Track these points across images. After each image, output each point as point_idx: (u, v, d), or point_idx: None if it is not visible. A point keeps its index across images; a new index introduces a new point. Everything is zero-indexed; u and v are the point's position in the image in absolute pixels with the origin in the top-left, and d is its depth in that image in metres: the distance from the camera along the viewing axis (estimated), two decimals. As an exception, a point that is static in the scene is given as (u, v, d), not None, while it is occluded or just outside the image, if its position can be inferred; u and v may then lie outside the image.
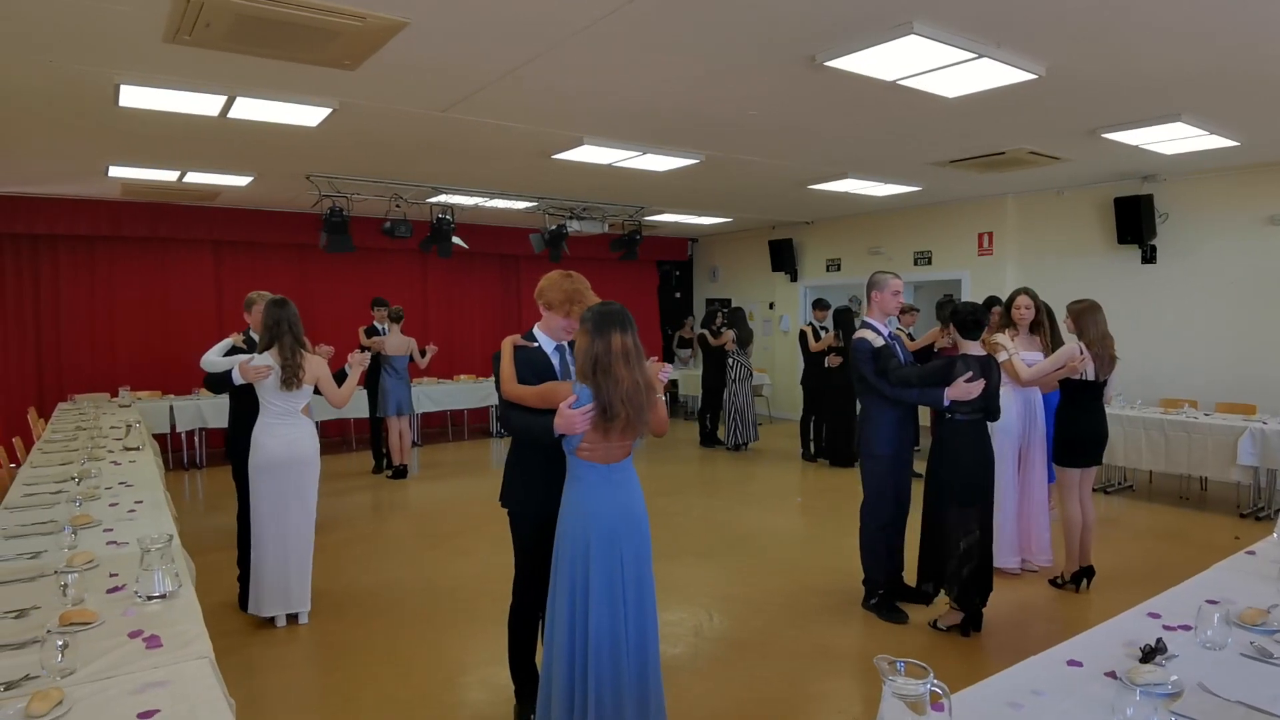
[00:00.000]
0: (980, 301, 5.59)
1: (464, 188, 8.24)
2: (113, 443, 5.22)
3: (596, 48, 4.04)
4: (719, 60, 4.27)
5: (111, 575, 2.56)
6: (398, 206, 8.38)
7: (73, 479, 3.96)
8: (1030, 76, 4.39)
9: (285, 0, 3.25)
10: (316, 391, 4.20)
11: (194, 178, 7.28)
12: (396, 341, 7.91)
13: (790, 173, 7.65)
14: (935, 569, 4.02)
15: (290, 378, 3.96)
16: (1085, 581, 4.59)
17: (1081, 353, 4.37)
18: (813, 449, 8.92)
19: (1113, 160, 7.03)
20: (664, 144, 6.33)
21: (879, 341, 4.18)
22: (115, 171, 6.89)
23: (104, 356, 8.93)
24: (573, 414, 2.58)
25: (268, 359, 3.98)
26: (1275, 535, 2.90)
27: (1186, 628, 2.11)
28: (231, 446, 4.47)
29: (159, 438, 7.57)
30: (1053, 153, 6.72)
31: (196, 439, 8.67)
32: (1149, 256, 8.00)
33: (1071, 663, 1.92)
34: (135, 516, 3.34)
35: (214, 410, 8.51)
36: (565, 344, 3.03)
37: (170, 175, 7.14)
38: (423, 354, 8.07)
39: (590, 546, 2.64)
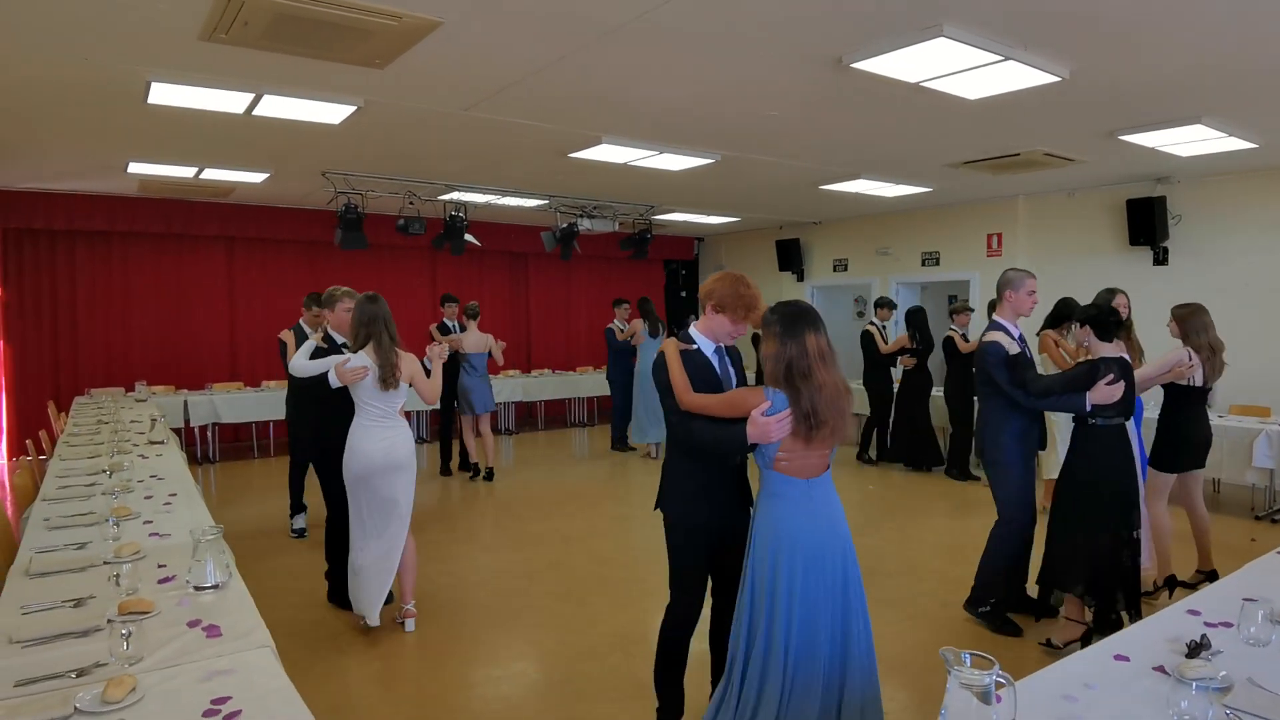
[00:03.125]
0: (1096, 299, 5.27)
1: (478, 185, 8.27)
2: (136, 436, 5.26)
3: (626, 48, 4.07)
4: (746, 61, 4.31)
5: (160, 566, 2.59)
6: (411, 204, 8.41)
7: (103, 472, 4.00)
8: (1054, 79, 4.42)
9: (324, -1, 3.29)
10: None
11: (211, 174, 7.32)
12: (475, 339, 7.57)
13: (804, 173, 7.68)
14: (1088, 583, 3.74)
15: (388, 376, 3.76)
16: (1170, 591, 4.40)
17: (1190, 359, 4.24)
18: (873, 454, 8.57)
19: (1127, 162, 7.07)
20: (682, 144, 6.36)
21: (1013, 348, 3.94)
22: (135, 168, 6.93)
23: (119, 351, 8.99)
24: (768, 421, 2.40)
25: (364, 359, 3.77)
26: (1306, 535, 2.93)
27: (1227, 624, 2.14)
28: (319, 452, 4.33)
29: (174, 432, 7.60)
30: (1068, 154, 6.75)
31: (209, 434, 8.70)
32: (1161, 259, 8.04)
33: (1119, 657, 1.96)
34: (172, 509, 3.38)
35: (227, 405, 8.56)
36: (723, 347, 2.86)
37: (188, 172, 7.18)
38: None
39: (781, 569, 2.44)
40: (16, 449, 8.42)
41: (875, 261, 10.87)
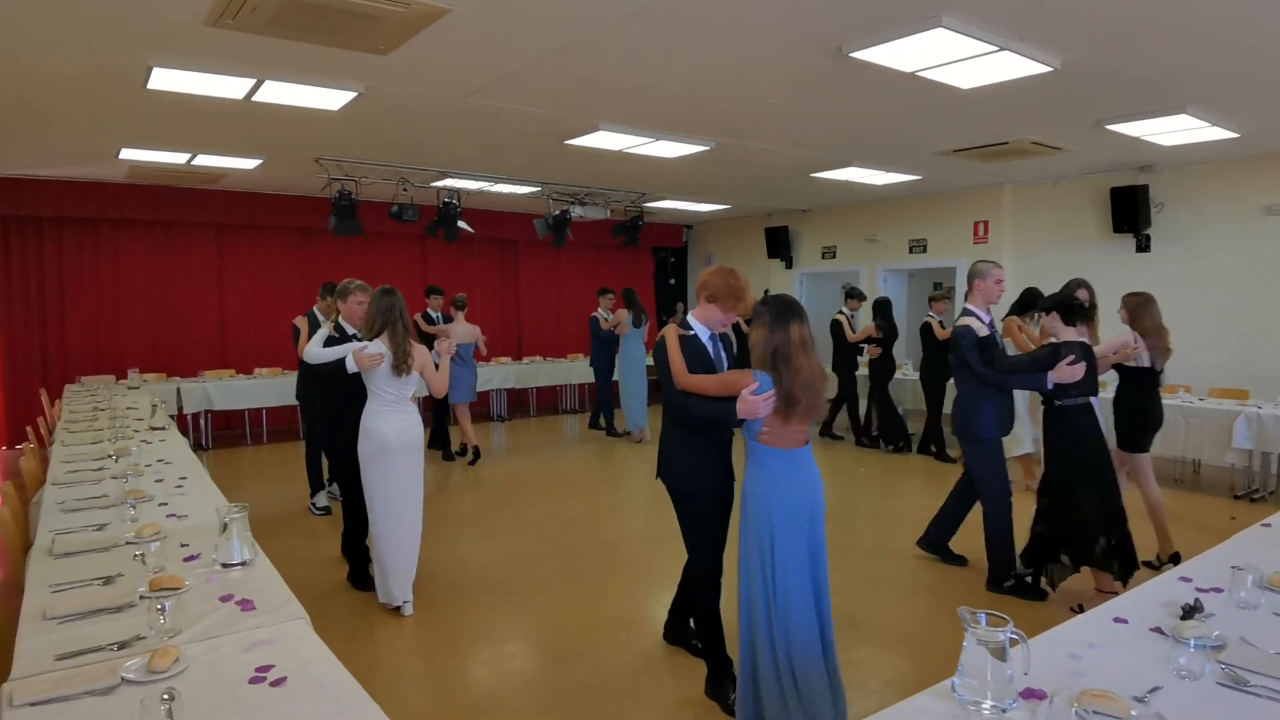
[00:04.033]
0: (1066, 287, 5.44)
1: (472, 172, 8.28)
2: (135, 422, 5.27)
3: (632, 36, 4.11)
4: (749, 50, 4.36)
5: (182, 545, 2.64)
6: (404, 190, 8.41)
7: (109, 457, 4.02)
8: (1046, 69, 4.52)
9: (332, -15, 3.31)
10: None
11: (203, 160, 7.28)
12: (463, 329, 7.93)
13: (796, 161, 7.75)
14: (1085, 550, 4.00)
15: (402, 363, 3.98)
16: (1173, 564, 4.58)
17: (1135, 341, 4.57)
18: (830, 432, 9.08)
19: (1111, 151, 7.20)
20: (679, 131, 6.41)
21: (983, 331, 4.29)
22: (127, 154, 6.88)
23: (109, 339, 8.93)
24: (755, 399, 2.70)
25: (380, 346, 3.98)
26: (1288, 509, 3.07)
27: (1218, 590, 2.26)
28: (332, 437, 4.48)
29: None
30: (1055, 143, 6.87)
31: (203, 421, 8.68)
32: (1143, 245, 8.20)
33: (1118, 620, 2.06)
34: (185, 491, 3.42)
35: (220, 393, 8.55)
36: (717, 334, 3.18)
37: (180, 158, 7.13)
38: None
39: (777, 528, 2.73)
40: (6, 437, 8.37)
41: (863, 249, 10.98)
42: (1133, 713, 1.54)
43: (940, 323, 7.80)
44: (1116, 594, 3.77)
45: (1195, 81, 5.00)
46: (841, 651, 3.69)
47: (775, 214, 12.10)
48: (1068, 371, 3.92)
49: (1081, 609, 3.90)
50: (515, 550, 5.22)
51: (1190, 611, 2.08)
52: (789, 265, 12.05)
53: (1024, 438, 6.34)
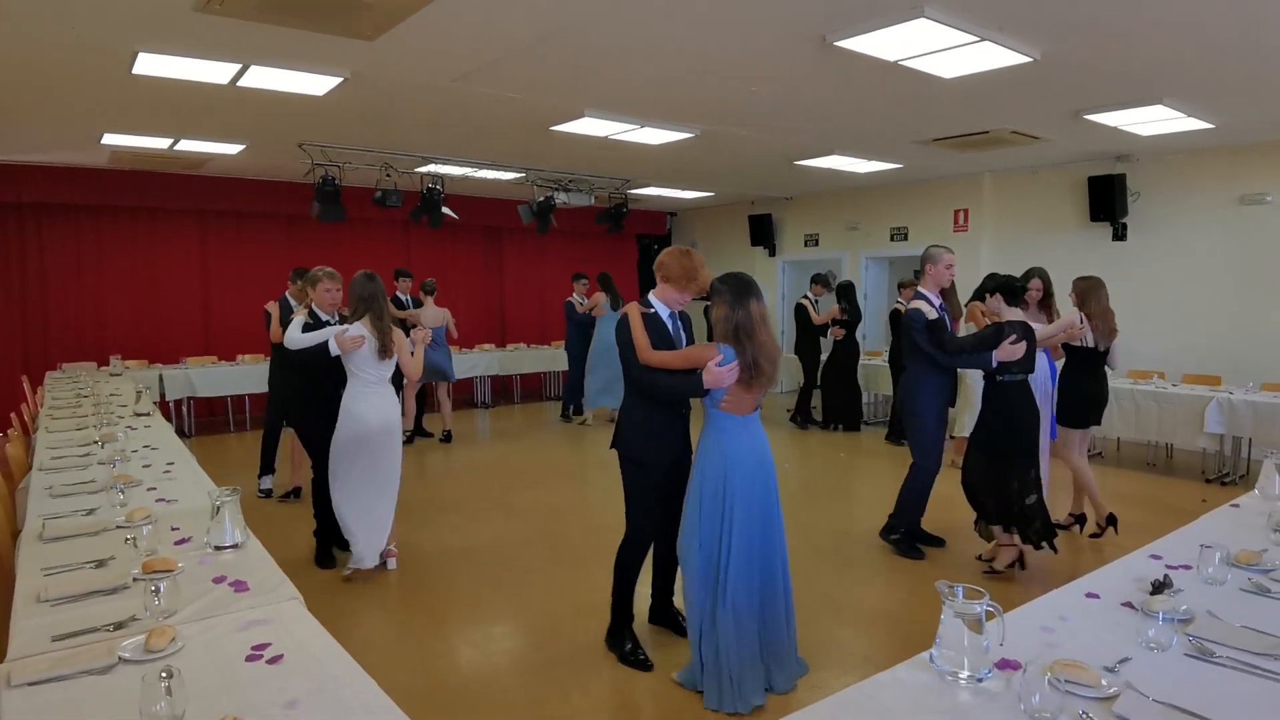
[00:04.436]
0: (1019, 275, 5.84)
1: (457, 158, 8.25)
2: (119, 409, 5.24)
3: (617, 23, 4.13)
4: (734, 38, 4.39)
5: (173, 529, 2.66)
6: (388, 176, 8.36)
7: (95, 443, 4.01)
8: (1026, 60, 4.58)
9: (319, -30, 3.29)
10: None
11: (185, 145, 7.21)
12: (432, 313, 7.99)
13: (780, 148, 7.79)
14: (1003, 514, 4.33)
15: (385, 345, 4.12)
16: (1080, 527, 5.17)
17: (1082, 322, 4.84)
18: (801, 417, 9.16)
19: (1090, 140, 7.29)
20: (664, 118, 6.43)
21: (933, 313, 4.52)
22: (109, 139, 6.80)
23: (91, 325, 8.84)
24: (721, 371, 2.93)
25: (361, 329, 4.10)
26: (1257, 491, 3.17)
27: (1187, 567, 2.33)
28: (308, 418, 4.58)
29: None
30: (1034, 133, 6.96)
31: (184, 408, 8.62)
32: (1120, 234, 8.33)
33: (1090, 595, 2.13)
34: (173, 476, 3.43)
35: (203, 379, 8.50)
36: (676, 312, 3.34)
37: (163, 143, 7.06)
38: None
39: (730, 483, 3.00)
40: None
41: (846, 237, 11.05)
42: (1103, 681, 1.61)
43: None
44: (1018, 546, 4.32)
45: (1171, 73, 5.09)
46: (822, 629, 3.82)
47: (759, 202, 12.15)
48: (1009, 350, 4.17)
49: (992, 567, 4.40)
50: (501, 536, 5.26)
51: (1160, 587, 2.16)
52: (772, 253, 12.12)
53: (969, 421, 6.48)
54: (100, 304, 8.91)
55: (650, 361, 3.12)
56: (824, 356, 9.00)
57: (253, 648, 1.82)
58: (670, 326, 3.28)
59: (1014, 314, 4.32)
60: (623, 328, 3.21)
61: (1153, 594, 2.11)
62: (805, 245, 11.71)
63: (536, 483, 6.77)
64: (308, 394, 4.55)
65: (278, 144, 7.30)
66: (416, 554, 4.83)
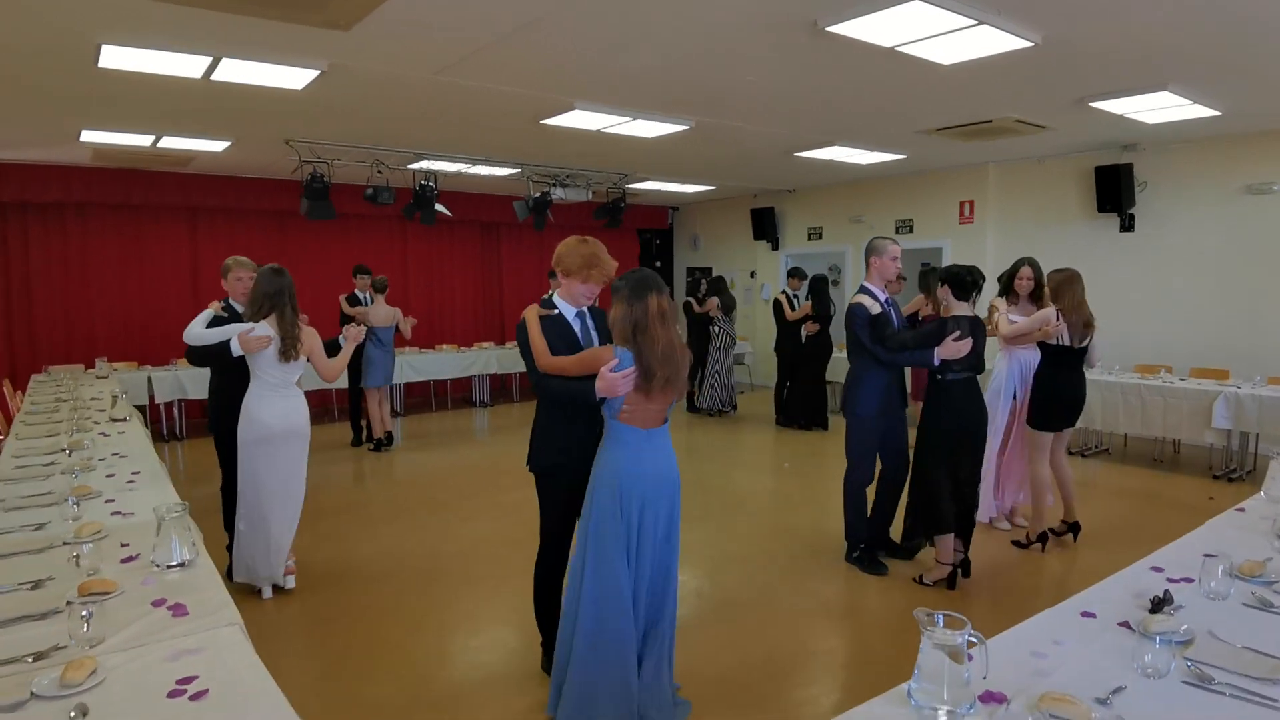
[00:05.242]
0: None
1: (449, 154, 8.11)
2: (97, 414, 5.14)
3: (601, 9, 3.97)
4: (723, 23, 4.23)
5: (123, 545, 2.53)
6: (379, 173, 8.24)
7: (63, 450, 3.90)
8: (1026, 44, 4.41)
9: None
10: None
11: (169, 142, 7.09)
12: (382, 312, 7.73)
13: (779, 140, 7.63)
14: (928, 521, 4.17)
15: (290, 348, 3.86)
16: (1073, 536, 4.84)
17: (1058, 318, 4.56)
18: (784, 415, 9.07)
19: (1095, 129, 7.10)
20: (656, 110, 6.27)
21: (876, 308, 4.28)
22: (88, 136, 6.69)
23: (78, 327, 8.74)
24: (614, 376, 2.65)
25: (266, 328, 3.86)
26: (1263, 493, 3.01)
27: (1189, 580, 2.19)
28: (217, 419, 4.26)
29: (137, 409, 7.43)
30: (1039, 121, 6.77)
31: (176, 410, 8.53)
32: (1127, 225, 8.13)
33: (1085, 614, 1.99)
34: (135, 487, 3.30)
35: (194, 381, 8.39)
36: (585, 310, 3.06)
37: (145, 140, 6.94)
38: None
39: (624, 504, 2.71)
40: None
41: (849, 229, 10.87)
42: (1094, 716, 1.47)
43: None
44: (952, 565, 4.13)
45: (1176, 57, 4.90)
46: (812, 641, 3.69)
47: (760, 195, 11.98)
48: (953, 348, 3.95)
49: (922, 580, 4.22)
50: (489, 537, 5.13)
51: (1159, 604, 2.01)
52: (775, 247, 11.95)
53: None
54: (88, 305, 8.80)
55: (548, 367, 2.86)
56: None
57: (178, 681, 1.68)
58: (577, 327, 3.02)
59: (962, 308, 4.09)
60: (520, 333, 2.97)
61: (1152, 612, 1.97)
62: (809, 239, 11.54)
63: (528, 480, 6.62)
64: (218, 395, 4.26)
65: (264, 140, 7.17)
66: (404, 558, 4.72)
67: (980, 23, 4.03)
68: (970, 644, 1.54)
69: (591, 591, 2.72)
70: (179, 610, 2.04)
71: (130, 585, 2.20)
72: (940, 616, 1.56)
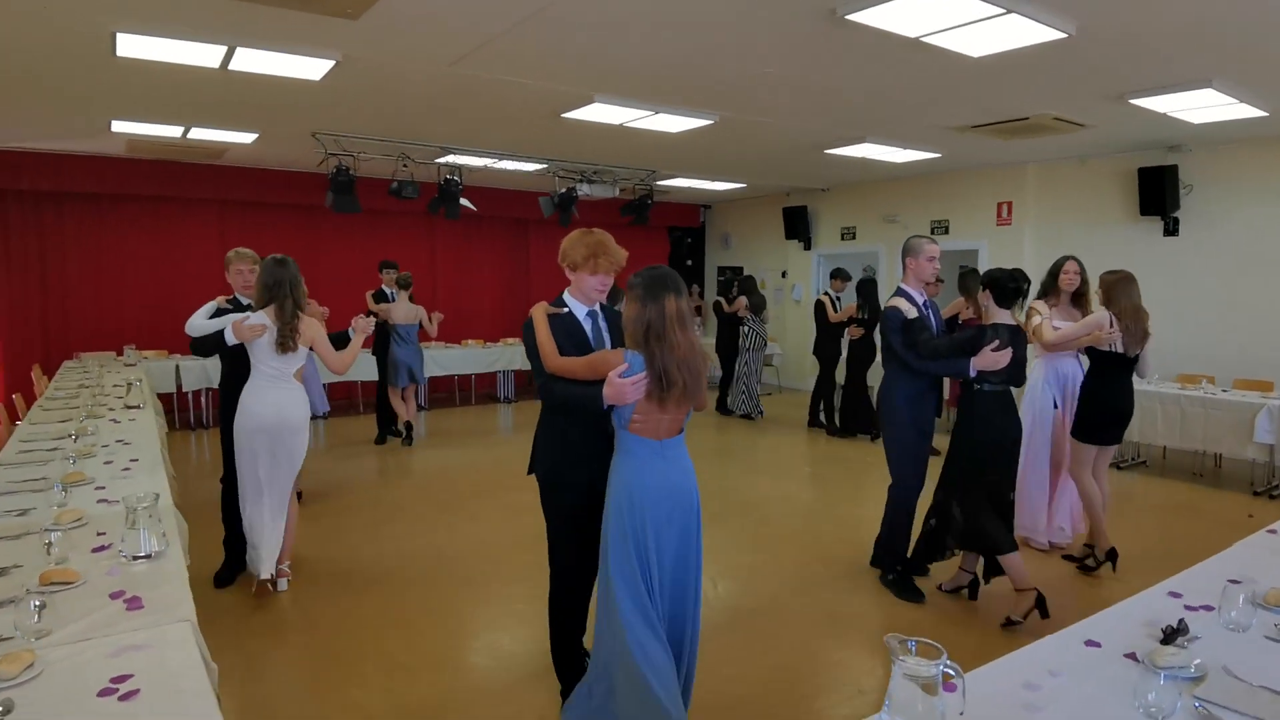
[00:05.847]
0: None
1: (472, 148, 8.09)
2: (114, 400, 5.19)
3: (611, -1, 3.87)
4: (738, 11, 4.09)
5: (99, 534, 2.50)
6: (405, 167, 8.24)
7: (69, 436, 3.92)
8: (1060, 35, 4.20)
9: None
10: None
11: (198, 134, 7.16)
12: (405, 310, 7.60)
13: (807, 136, 7.45)
14: (980, 547, 3.87)
15: (286, 339, 3.80)
16: (1103, 562, 4.44)
17: (1111, 324, 4.24)
18: (823, 419, 8.80)
19: (1138, 128, 6.80)
20: (677, 103, 6.15)
21: (912, 312, 4.02)
22: (118, 127, 6.78)
23: (111, 315, 8.89)
24: (623, 383, 2.45)
25: (263, 318, 3.82)
26: (1302, 514, 2.79)
27: (1209, 608, 2.02)
28: (223, 410, 4.22)
29: (164, 397, 7.52)
30: (1078, 119, 6.50)
31: (203, 399, 8.63)
32: (1171, 229, 7.79)
33: (1090, 643, 1.83)
34: (130, 475, 3.29)
35: (219, 370, 8.47)
36: (598, 309, 2.86)
37: (174, 131, 7.02)
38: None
39: (637, 521, 2.51)
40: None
41: (883, 229, 10.62)
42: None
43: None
44: (974, 574, 3.94)
45: (1219, 51, 4.63)
46: (823, 653, 3.55)
47: (793, 193, 11.77)
48: (991, 358, 3.65)
49: (941, 588, 4.07)
50: (492, 539, 5.04)
51: (1172, 634, 1.85)
52: (807, 246, 11.74)
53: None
54: (121, 293, 8.95)
55: (556, 369, 2.65)
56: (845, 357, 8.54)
57: (111, 680, 1.62)
58: (588, 327, 2.81)
59: (1003, 316, 3.79)
60: (527, 332, 2.76)
61: (1163, 643, 1.81)
62: (842, 238, 11.30)
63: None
64: (226, 386, 4.23)
65: (290, 133, 7.21)
66: (406, 559, 4.67)
67: (1009, 11, 3.84)
68: (946, 676, 1.41)
69: (618, 620, 2.49)
70: (135, 604, 1.99)
71: (95, 575, 2.16)
72: (914, 643, 1.43)
